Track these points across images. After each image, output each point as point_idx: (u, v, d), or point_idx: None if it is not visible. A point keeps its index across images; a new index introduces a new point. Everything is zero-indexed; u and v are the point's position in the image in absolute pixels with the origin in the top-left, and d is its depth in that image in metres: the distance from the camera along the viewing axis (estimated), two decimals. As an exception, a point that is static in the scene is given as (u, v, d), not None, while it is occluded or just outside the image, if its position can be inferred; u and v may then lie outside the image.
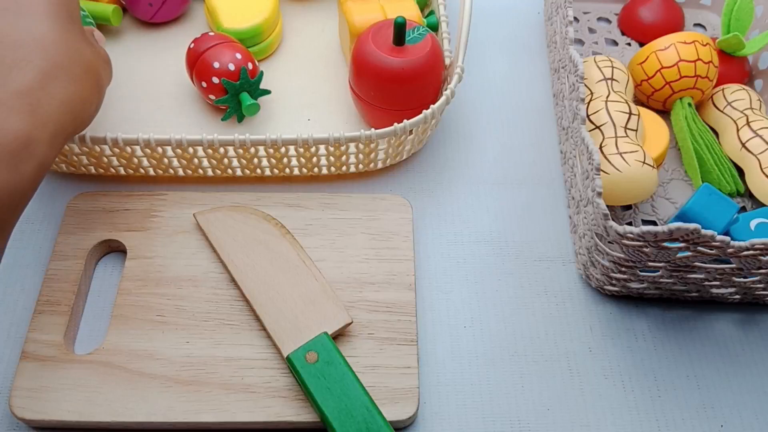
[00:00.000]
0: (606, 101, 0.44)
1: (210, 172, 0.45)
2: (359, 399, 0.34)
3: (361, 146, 0.43)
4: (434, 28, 0.50)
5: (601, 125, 0.44)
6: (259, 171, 0.45)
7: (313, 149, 0.42)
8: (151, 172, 0.45)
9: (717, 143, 0.47)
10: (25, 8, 0.33)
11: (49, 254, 0.42)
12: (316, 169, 0.45)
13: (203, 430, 0.36)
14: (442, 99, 0.43)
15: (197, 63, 0.46)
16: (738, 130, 0.46)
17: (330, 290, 0.39)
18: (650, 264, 0.37)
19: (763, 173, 0.44)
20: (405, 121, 0.42)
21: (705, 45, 0.47)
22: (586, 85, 0.47)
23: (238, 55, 0.46)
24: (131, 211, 0.43)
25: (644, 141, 0.45)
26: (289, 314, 0.38)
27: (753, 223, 0.41)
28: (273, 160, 0.44)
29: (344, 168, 0.46)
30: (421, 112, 0.42)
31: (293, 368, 0.35)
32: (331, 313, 0.38)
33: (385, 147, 0.44)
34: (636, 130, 0.44)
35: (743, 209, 0.46)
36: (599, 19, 0.58)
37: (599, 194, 0.36)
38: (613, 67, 0.47)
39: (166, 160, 0.43)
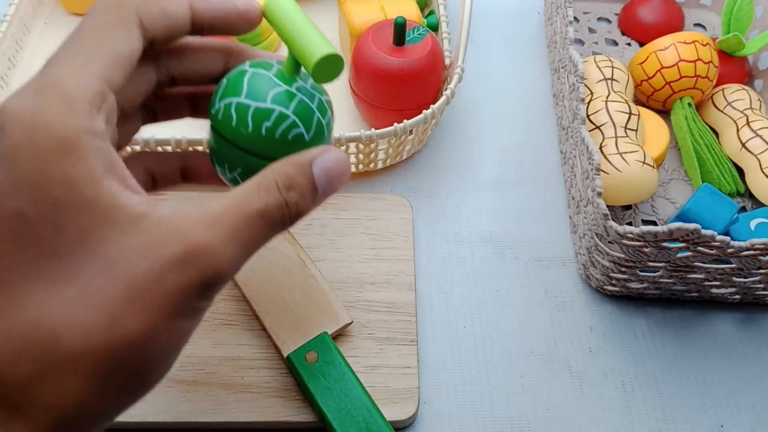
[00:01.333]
0: (606, 101, 0.44)
1: (210, 172, 0.45)
2: (359, 399, 0.34)
3: (361, 146, 0.43)
4: (434, 28, 0.50)
5: (601, 125, 0.44)
6: (259, 171, 0.45)
7: (313, 149, 0.42)
8: (151, 172, 0.45)
9: (717, 143, 0.47)
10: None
11: (48, 254, 0.41)
12: (316, 169, 0.45)
13: (203, 429, 0.36)
14: (442, 99, 0.43)
15: (197, 63, 0.46)
16: (738, 130, 0.46)
17: (330, 290, 0.39)
18: (650, 264, 0.37)
19: (763, 173, 0.44)
20: (405, 121, 0.42)
21: (705, 45, 0.47)
22: (586, 85, 0.47)
23: (238, 55, 0.46)
24: (131, 211, 0.43)
25: (644, 141, 0.45)
26: (289, 314, 0.38)
27: (753, 223, 0.41)
28: (273, 160, 0.44)
29: (344, 168, 0.46)
30: (421, 112, 0.42)
31: (293, 368, 0.35)
32: (331, 313, 0.38)
33: (385, 147, 0.44)
34: (636, 130, 0.44)
35: (743, 209, 0.46)
36: (599, 19, 0.58)
37: (599, 194, 0.36)
38: (613, 67, 0.47)
39: (166, 160, 0.43)
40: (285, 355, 0.36)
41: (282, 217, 0.24)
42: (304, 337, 0.36)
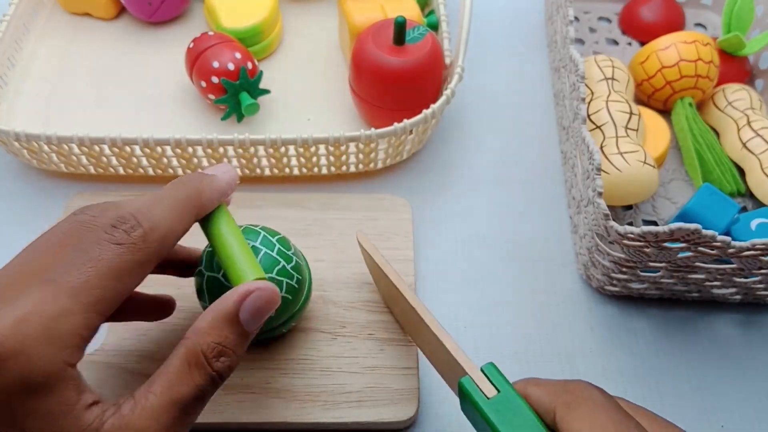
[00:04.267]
0: (607, 101, 0.44)
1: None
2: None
3: (361, 146, 0.43)
4: (434, 27, 0.50)
5: (602, 125, 0.44)
6: (258, 171, 0.45)
7: (312, 149, 0.42)
8: (150, 171, 0.45)
9: (718, 143, 0.47)
10: None
11: (48, 254, 0.41)
12: (316, 169, 0.45)
13: (203, 430, 0.36)
14: (443, 99, 0.43)
15: (197, 62, 0.46)
16: (739, 130, 0.46)
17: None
18: (651, 264, 0.37)
19: (764, 173, 0.44)
20: (405, 120, 0.42)
21: (706, 45, 0.46)
22: (586, 85, 0.47)
23: (238, 55, 0.46)
24: (131, 211, 0.42)
25: (645, 141, 0.45)
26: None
27: (754, 223, 0.41)
28: (273, 160, 0.44)
29: (344, 168, 0.45)
30: (421, 112, 0.42)
31: (467, 395, 0.28)
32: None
33: (385, 147, 0.44)
34: (637, 130, 0.44)
35: (744, 209, 0.45)
36: (600, 18, 0.58)
37: (600, 194, 0.36)
38: (613, 66, 0.47)
39: (165, 160, 0.43)
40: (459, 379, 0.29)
41: (215, 386, 0.27)
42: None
